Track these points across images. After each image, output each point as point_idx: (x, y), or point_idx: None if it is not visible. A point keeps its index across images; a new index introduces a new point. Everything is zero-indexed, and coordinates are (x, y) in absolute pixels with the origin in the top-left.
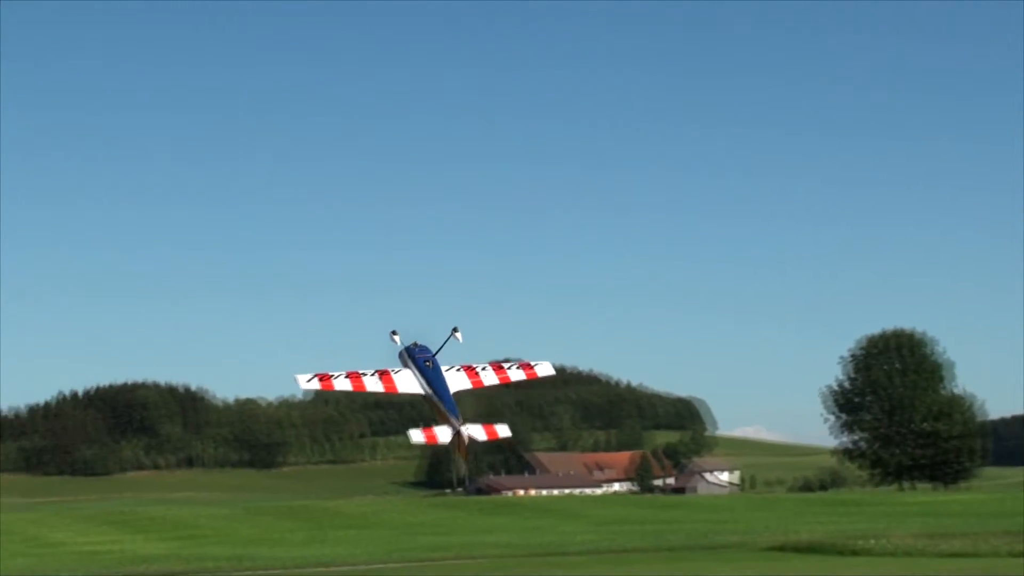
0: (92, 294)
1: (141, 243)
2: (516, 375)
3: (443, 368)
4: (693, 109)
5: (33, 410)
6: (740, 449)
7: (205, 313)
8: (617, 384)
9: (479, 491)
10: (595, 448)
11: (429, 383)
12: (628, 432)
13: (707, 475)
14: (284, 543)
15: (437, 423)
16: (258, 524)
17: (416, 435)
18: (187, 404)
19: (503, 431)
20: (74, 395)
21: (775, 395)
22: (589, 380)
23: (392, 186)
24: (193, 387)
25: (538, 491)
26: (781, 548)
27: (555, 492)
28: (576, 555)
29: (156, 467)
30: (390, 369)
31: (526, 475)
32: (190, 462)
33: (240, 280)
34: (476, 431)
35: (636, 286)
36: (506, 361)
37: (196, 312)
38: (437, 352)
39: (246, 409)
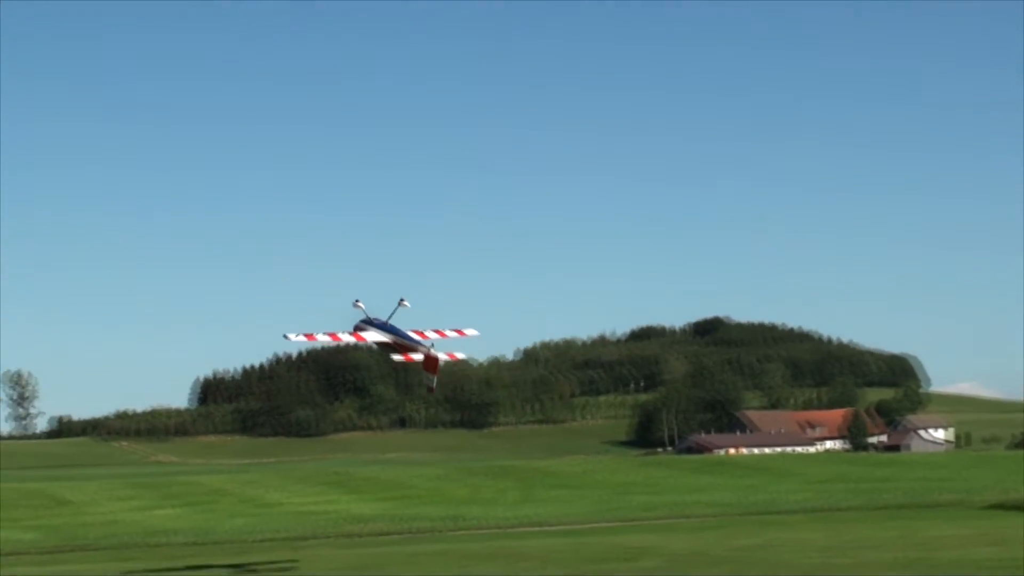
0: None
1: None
2: (451, 335)
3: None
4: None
5: (248, 372)
6: (954, 406)
7: (426, 274)
8: (828, 341)
9: (689, 450)
10: (806, 406)
11: (392, 332)
12: (840, 390)
13: (921, 432)
14: (497, 503)
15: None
16: (470, 484)
17: (397, 357)
18: (399, 365)
19: (460, 354)
20: (288, 357)
21: (992, 351)
22: (800, 337)
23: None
24: None
25: (749, 450)
26: (1000, 506)
27: (766, 450)
28: (790, 513)
29: (369, 428)
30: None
31: (737, 434)
32: (402, 423)
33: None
34: (441, 355)
35: (847, 243)
36: None
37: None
38: (389, 318)
39: (457, 369)
